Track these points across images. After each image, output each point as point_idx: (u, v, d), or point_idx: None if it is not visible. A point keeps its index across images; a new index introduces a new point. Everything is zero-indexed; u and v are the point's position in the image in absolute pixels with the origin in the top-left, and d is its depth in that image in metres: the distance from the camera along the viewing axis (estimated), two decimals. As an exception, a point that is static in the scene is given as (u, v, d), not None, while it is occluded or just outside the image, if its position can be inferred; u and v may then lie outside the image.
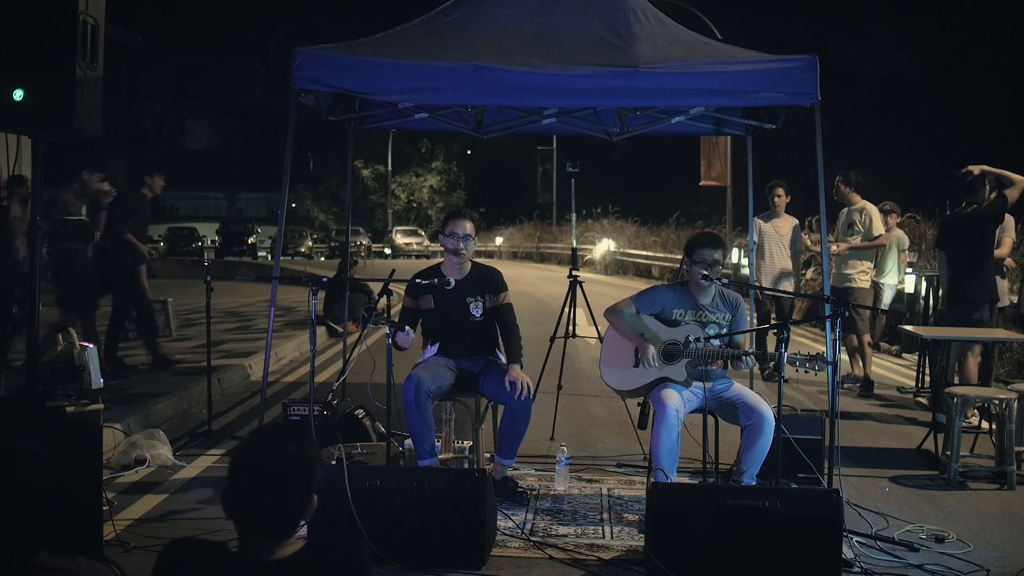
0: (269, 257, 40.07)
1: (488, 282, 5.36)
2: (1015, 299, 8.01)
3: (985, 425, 6.66)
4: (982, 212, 7.19)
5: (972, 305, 7.21)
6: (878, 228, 8.70)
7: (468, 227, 5.25)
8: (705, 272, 5.04)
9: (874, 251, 9.04)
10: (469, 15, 5.91)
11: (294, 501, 2.14)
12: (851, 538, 4.56)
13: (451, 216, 5.38)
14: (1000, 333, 7.31)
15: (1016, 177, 7.07)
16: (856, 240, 8.66)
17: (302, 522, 2.17)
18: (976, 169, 7.21)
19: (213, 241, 46.25)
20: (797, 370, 4.80)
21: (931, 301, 10.25)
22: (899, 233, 9.90)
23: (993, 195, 7.15)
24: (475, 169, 54.37)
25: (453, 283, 5.17)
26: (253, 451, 2.16)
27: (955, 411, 5.79)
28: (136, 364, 8.63)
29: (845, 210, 8.82)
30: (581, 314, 6.98)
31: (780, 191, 9.20)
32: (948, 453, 5.84)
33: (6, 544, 2.02)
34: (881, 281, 9.77)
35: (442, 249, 5.31)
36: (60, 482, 2.15)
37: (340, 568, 2.15)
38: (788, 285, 9.05)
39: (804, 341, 12.07)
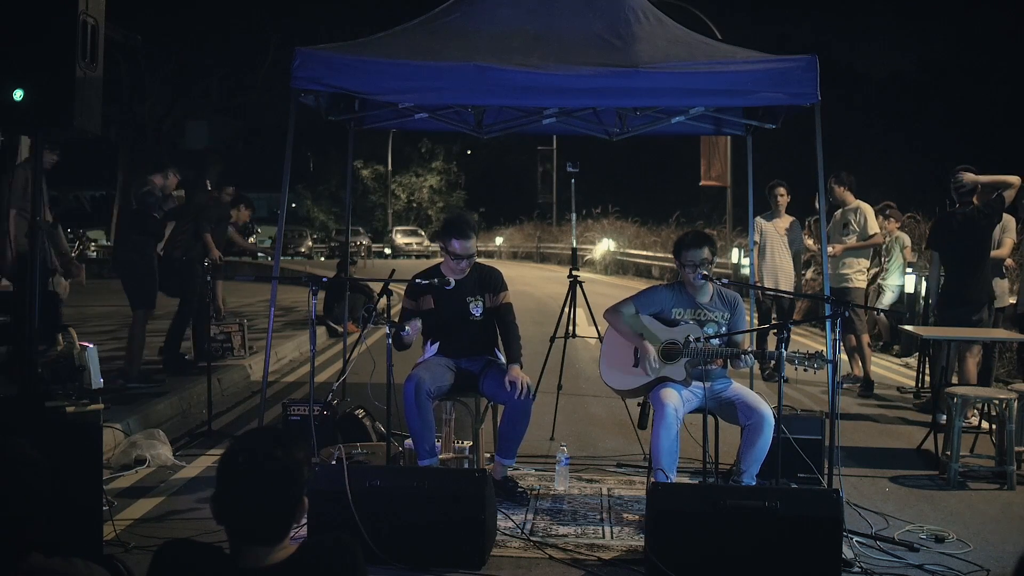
0: (269, 257, 40.04)
1: (488, 282, 5.36)
2: (1014, 299, 8.00)
3: (985, 425, 6.66)
4: (981, 212, 7.18)
5: (972, 307, 7.18)
6: (873, 227, 8.68)
7: (471, 246, 5.22)
8: (705, 272, 5.04)
9: (870, 250, 9.02)
10: (469, 15, 5.91)
11: (284, 503, 2.13)
12: (851, 538, 4.55)
13: (455, 233, 5.18)
14: (1000, 333, 7.30)
15: (1010, 179, 7.07)
16: (852, 240, 8.65)
17: (294, 525, 2.16)
18: (969, 180, 7.21)
19: (213, 241, 46.13)
20: (796, 369, 4.81)
21: (931, 301, 10.25)
22: (898, 234, 9.93)
23: (992, 195, 7.16)
24: (475, 169, 54.39)
25: (453, 283, 5.17)
26: (240, 455, 2.14)
27: (955, 411, 5.79)
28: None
29: (840, 210, 8.81)
30: (581, 314, 6.98)
31: (782, 190, 9.20)
32: (948, 453, 5.84)
33: None
34: (884, 283, 9.79)
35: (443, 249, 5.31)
36: (55, 484, 2.15)
37: (333, 571, 2.14)
38: (789, 284, 9.05)
39: (804, 341, 12.06)
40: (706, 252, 5.07)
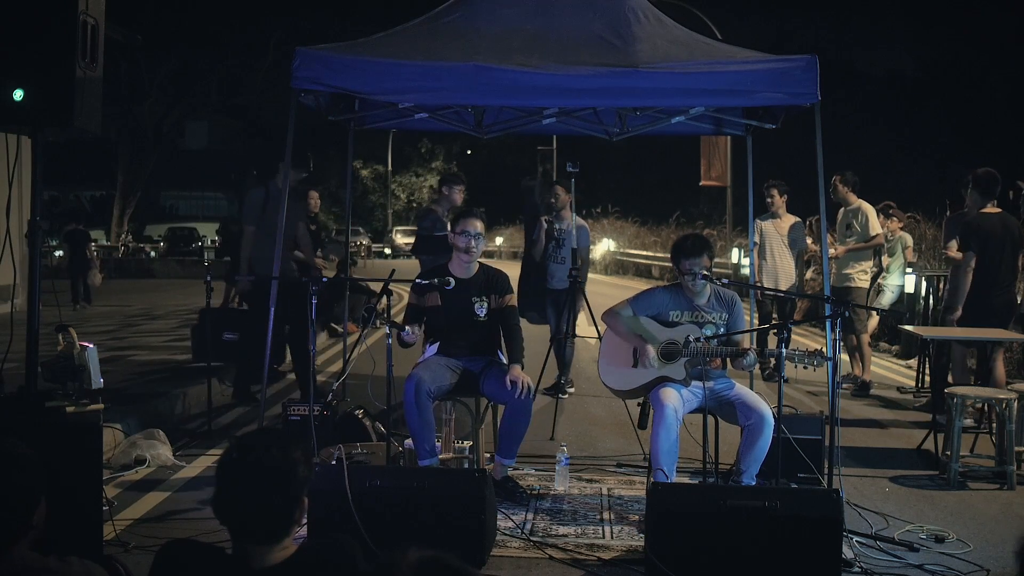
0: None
1: (494, 283, 5.38)
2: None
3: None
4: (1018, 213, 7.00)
5: (1008, 312, 6.94)
6: (875, 228, 8.69)
7: (479, 226, 5.34)
8: (704, 272, 5.04)
9: (872, 251, 9.03)
10: (469, 15, 5.91)
11: (283, 503, 2.14)
12: (851, 538, 4.55)
13: (462, 215, 5.41)
14: (1000, 333, 7.29)
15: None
16: (853, 242, 8.66)
17: (295, 525, 2.16)
18: None
19: (213, 241, 46.18)
20: (796, 366, 4.81)
21: (931, 301, 10.24)
22: (901, 234, 9.94)
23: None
24: (475, 169, 54.39)
25: (453, 283, 5.18)
26: (238, 455, 2.16)
27: (955, 411, 5.78)
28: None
29: (842, 210, 8.83)
30: (581, 314, 6.98)
31: (773, 192, 9.23)
32: (948, 453, 5.84)
33: None
34: (885, 283, 9.78)
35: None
36: (54, 484, 2.16)
37: (333, 571, 2.15)
38: (789, 285, 9.05)
39: (804, 341, 12.06)
40: (705, 260, 5.07)
